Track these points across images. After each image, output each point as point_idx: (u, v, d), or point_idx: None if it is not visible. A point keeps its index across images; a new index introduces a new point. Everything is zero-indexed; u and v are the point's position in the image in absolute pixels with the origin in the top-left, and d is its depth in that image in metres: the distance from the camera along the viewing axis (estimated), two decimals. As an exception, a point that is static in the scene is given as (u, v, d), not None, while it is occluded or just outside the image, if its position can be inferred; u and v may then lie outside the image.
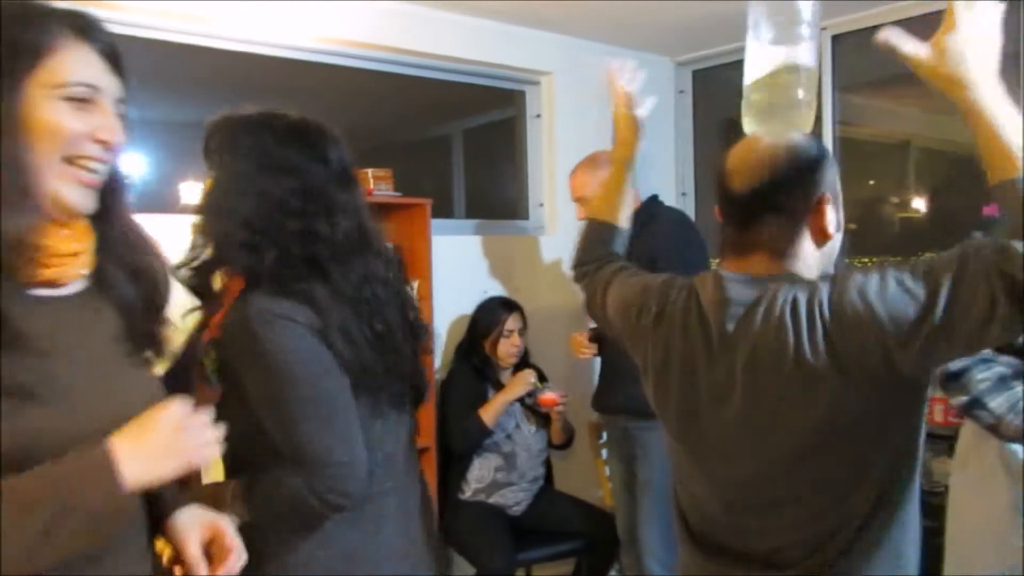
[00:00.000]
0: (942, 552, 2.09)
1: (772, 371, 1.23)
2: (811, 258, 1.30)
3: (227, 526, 1.13)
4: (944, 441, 2.74)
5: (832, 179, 1.32)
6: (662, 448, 2.07)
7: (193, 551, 1.09)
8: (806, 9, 1.38)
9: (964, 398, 1.81)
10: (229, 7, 2.73)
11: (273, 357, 1.30)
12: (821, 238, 1.30)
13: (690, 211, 4.12)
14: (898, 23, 3.50)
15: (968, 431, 2.01)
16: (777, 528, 1.29)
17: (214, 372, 1.37)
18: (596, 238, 1.75)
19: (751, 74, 1.42)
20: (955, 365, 1.81)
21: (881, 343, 1.14)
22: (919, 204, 3.85)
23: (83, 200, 1.00)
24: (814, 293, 1.21)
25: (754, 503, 1.30)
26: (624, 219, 1.73)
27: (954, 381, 1.81)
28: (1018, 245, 1.05)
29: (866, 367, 1.16)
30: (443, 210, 3.58)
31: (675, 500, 1.46)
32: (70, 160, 0.97)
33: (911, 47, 1.18)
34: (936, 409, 2.83)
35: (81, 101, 0.97)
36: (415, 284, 2.94)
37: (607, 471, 3.25)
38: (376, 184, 2.85)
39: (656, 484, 2.68)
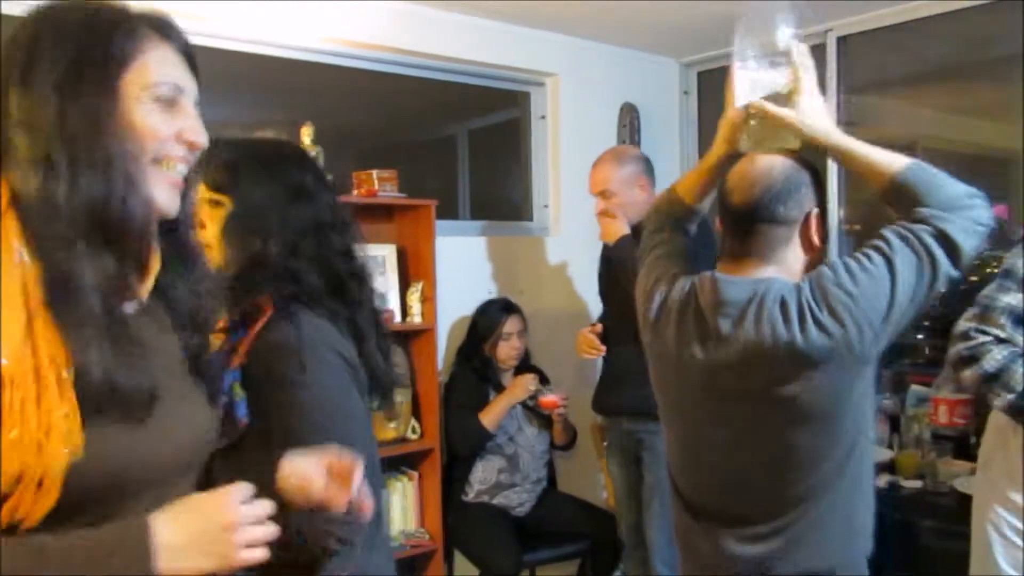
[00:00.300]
0: (951, 552, 2.08)
1: (765, 363, 1.40)
2: (797, 265, 1.49)
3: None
4: (949, 442, 2.74)
5: (819, 195, 1.50)
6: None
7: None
8: (786, 36, 1.49)
9: (1010, 396, 1.79)
10: (231, 7, 2.73)
11: (310, 390, 1.28)
12: (809, 247, 1.49)
13: (695, 212, 4.11)
14: (904, 24, 3.51)
15: (992, 431, 2.01)
16: (759, 494, 1.48)
17: (242, 401, 1.31)
18: (666, 209, 1.76)
19: (741, 99, 1.52)
20: (991, 366, 1.80)
21: (869, 325, 1.34)
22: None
23: (172, 203, 0.96)
24: (800, 291, 1.38)
25: (740, 477, 1.49)
26: (704, 203, 1.76)
27: (995, 381, 1.80)
28: (945, 216, 1.34)
29: (853, 349, 1.35)
30: (448, 211, 3.58)
31: (668, 471, 1.64)
32: (159, 162, 0.94)
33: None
34: (941, 410, 2.82)
35: (167, 102, 0.94)
36: (419, 285, 2.94)
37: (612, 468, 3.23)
38: (381, 185, 2.85)
39: (663, 485, 2.67)
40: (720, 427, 1.49)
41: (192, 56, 0.99)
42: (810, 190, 1.48)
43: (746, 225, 1.48)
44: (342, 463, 0.99)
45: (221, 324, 1.28)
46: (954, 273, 1.36)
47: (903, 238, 1.36)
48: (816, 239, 1.48)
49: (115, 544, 0.82)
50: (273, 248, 1.35)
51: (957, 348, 1.86)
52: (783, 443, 1.42)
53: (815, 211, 1.48)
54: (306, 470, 0.98)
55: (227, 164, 1.40)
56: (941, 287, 1.37)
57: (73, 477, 0.81)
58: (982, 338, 1.82)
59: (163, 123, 0.93)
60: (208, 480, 1.00)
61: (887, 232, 1.38)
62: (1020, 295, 1.82)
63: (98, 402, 0.84)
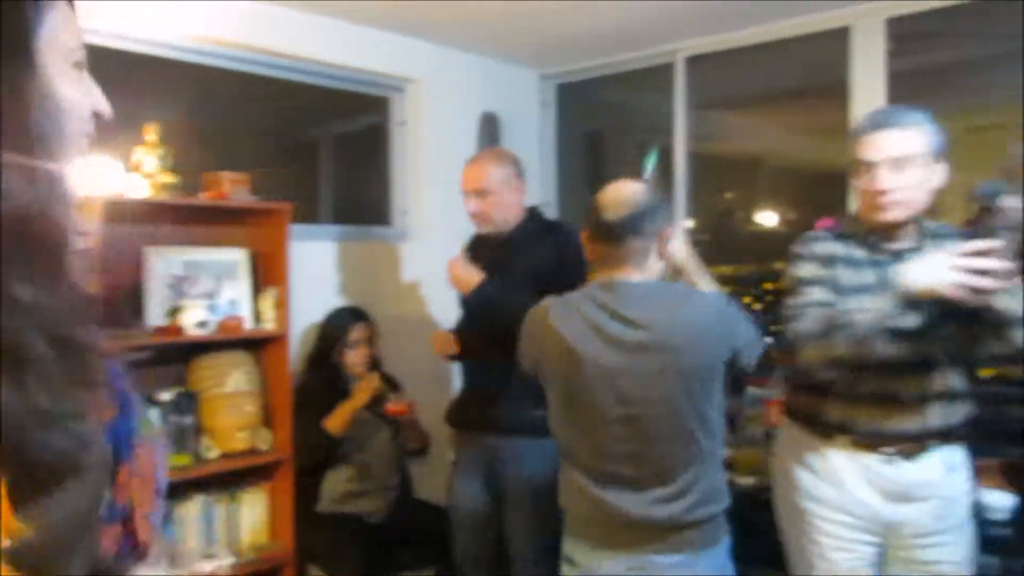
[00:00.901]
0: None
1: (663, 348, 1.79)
2: (655, 268, 1.89)
3: None
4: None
5: (670, 215, 1.92)
6: (543, 458, 2.42)
7: None
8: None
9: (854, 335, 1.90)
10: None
11: None
12: (662, 256, 1.91)
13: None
14: (749, 48, 3.70)
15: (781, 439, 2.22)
16: (656, 462, 1.82)
17: None
18: None
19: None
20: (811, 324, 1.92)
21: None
22: (768, 217, 4.08)
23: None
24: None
25: (636, 452, 1.82)
26: None
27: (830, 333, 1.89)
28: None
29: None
30: (310, 216, 3.49)
31: (568, 451, 1.94)
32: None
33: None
34: (773, 410, 2.99)
35: (81, 68, 0.76)
36: (273, 291, 2.85)
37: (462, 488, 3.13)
38: (233, 187, 2.74)
39: (533, 495, 2.61)
40: (628, 407, 1.81)
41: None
42: (666, 211, 1.93)
43: (621, 236, 1.83)
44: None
45: None
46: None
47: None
48: (666, 253, 1.91)
49: None
50: None
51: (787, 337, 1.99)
52: (671, 418, 1.80)
53: (668, 228, 1.89)
54: None
55: None
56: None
57: None
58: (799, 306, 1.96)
59: (86, 95, 0.76)
60: None
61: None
62: (810, 267, 1.99)
63: None
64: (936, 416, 1.90)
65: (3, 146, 0.64)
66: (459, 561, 2.81)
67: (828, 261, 1.97)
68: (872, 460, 1.94)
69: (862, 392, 1.92)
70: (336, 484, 2.98)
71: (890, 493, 1.94)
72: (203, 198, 2.71)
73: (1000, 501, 2.27)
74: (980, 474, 2.50)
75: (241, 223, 2.94)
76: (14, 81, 0.66)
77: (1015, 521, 2.24)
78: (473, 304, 2.60)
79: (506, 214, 2.64)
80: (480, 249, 2.72)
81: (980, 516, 2.29)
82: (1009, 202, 1.60)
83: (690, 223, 3.89)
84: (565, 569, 1.96)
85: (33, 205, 0.65)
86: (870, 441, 1.93)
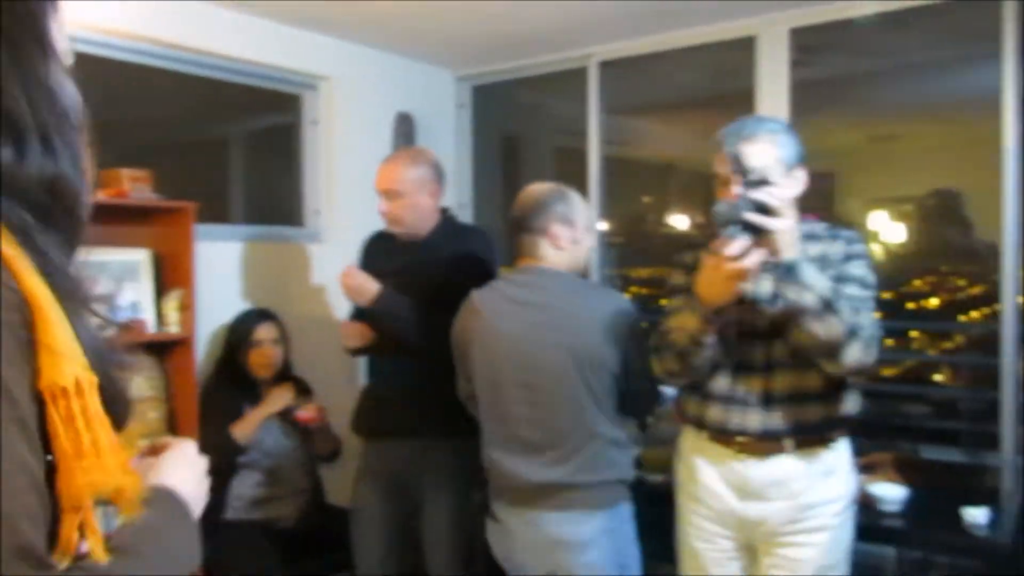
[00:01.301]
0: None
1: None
2: (554, 258, 2.17)
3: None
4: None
5: (563, 212, 2.15)
6: (454, 459, 2.51)
7: None
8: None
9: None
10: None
11: None
12: (556, 248, 2.15)
13: (468, 222, 4.20)
14: (661, 54, 3.77)
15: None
16: (548, 427, 2.08)
17: None
18: None
19: None
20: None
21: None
22: (680, 221, 4.17)
23: None
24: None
25: (531, 416, 2.08)
26: None
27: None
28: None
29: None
30: (218, 216, 3.40)
31: (485, 416, 2.21)
32: None
33: None
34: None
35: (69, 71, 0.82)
36: (177, 293, 2.77)
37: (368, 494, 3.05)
38: (133, 185, 2.65)
39: (447, 497, 2.59)
40: (525, 374, 2.08)
41: None
42: (552, 209, 2.15)
43: (519, 232, 2.18)
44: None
45: None
46: None
47: None
48: (561, 243, 2.15)
49: (164, 522, 0.83)
50: None
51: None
52: (568, 397, 2.06)
53: (556, 225, 2.14)
54: None
55: None
56: None
57: None
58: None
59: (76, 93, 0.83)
60: None
61: None
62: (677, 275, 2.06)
63: None
64: (784, 416, 1.89)
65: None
66: (362, 569, 2.75)
67: (693, 269, 1.97)
68: (727, 456, 1.96)
69: (711, 390, 1.96)
70: (244, 490, 2.91)
71: (743, 490, 1.95)
72: (101, 196, 2.61)
73: (892, 493, 2.37)
74: (873, 468, 2.61)
75: (143, 222, 2.84)
76: (48, 71, 0.77)
77: (906, 512, 2.34)
78: (372, 316, 2.54)
79: (419, 217, 2.58)
80: (391, 251, 2.67)
81: (873, 508, 2.38)
82: (721, 207, 1.64)
83: (605, 226, 3.94)
84: (488, 524, 2.26)
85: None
86: (720, 438, 1.96)
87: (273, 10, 3.18)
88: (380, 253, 2.73)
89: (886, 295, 5.05)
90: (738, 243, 1.62)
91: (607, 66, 3.77)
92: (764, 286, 1.86)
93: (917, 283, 5.18)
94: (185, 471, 0.91)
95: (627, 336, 2.07)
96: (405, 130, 3.88)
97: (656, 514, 2.24)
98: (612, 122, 3.89)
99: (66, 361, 0.69)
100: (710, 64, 3.75)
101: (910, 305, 5.22)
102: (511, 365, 2.10)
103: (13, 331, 0.66)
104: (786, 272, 1.68)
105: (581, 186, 3.75)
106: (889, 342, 4.85)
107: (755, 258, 1.64)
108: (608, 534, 2.09)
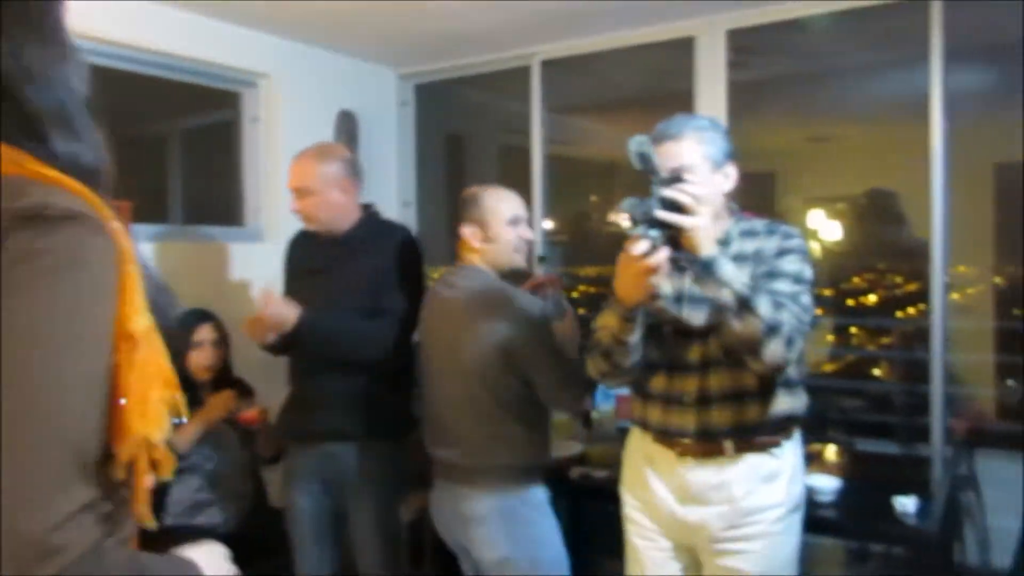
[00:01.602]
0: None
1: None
2: (473, 257, 2.29)
3: None
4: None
5: (471, 214, 2.27)
6: (382, 460, 2.53)
7: None
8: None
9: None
10: None
11: None
12: (471, 248, 2.29)
13: (412, 220, 4.19)
14: (602, 54, 3.80)
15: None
16: (452, 410, 2.25)
17: None
18: None
19: None
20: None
21: None
22: (625, 219, 4.20)
23: None
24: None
25: (444, 399, 2.27)
26: None
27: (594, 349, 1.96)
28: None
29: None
30: (157, 214, 3.33)
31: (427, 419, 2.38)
32: None
33: None
34: (623, 407, 3.10)
35: None
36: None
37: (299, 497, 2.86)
38: (65, 183, 2.57)
39: (375, 498, 2.56)
40: (441, 362, 2.28)
41: None
42: (468, 210, 2.28)
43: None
44: None
45: None
46: None
47: None
48: (474, 243, 2.27)
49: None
50: None
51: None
52: (484, 389, 2.18)
53: (471, 225, 2.27)
54: None
55: None
56: None
57: None
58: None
59: None
60: None
61: None
62: None
63: None
64: (721, 417, 1.86)
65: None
66: (303, 571, 2.72)
67: None
68: (669, 459, 1.93)
69: (650, 391, 1.96)
70: (183, 495, 2.85)
71: (684, 494, 1.92)
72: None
73: (827, 484, 2.42)
74: (810, 460, 2.67)
75: (76, 221, 2.77)
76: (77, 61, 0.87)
77: (839, 503, 2.40)
78: (299, 340, 2.47)
79: (333, 214, 2.53)
80: (313, 248, 2.63)
81: (810, 499, 2.44)
82: (626, 205, 1.64)
83: (549, 224, 3.96)
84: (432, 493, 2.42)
85: None
86: (663, 440, 1.94)
87: (212, 8, 3.13)
88: (303, 251, 2.69)
89: (827, 292, 5.19)
90: (644, 241, 1.62)
91: (550, 65, 3.79)
92: (666, 287, 1.87)
93: (856, 280, 5.32)
94: (210, 562, 0.97)
95: (523, 335, 2.14)
96: (347, 128, 3.85)
97: (602, 509, 2.26)
98: (556, 121, 3.92)
99: (138, 313, 0.79)
100: (651, 64, 3.80)
101: (850, 302, 5.36)
102: (431, 353, 2.33)
103: (110, 275, 0.76)
104: (703, 269, 1.67)
105: (525, 184, 3.77)
106: (830, 338, 5.02)
107: (661, 256, 1.62)
108: (500, 513, 2.20)
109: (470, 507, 2.23)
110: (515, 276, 2.39)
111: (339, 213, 2.53)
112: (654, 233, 1.62)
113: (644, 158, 1.63)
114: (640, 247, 1.62)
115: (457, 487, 2.27)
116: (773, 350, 1.67)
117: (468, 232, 2.28)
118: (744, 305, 1.66)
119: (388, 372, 2.52)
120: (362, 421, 2.49)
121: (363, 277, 2.46)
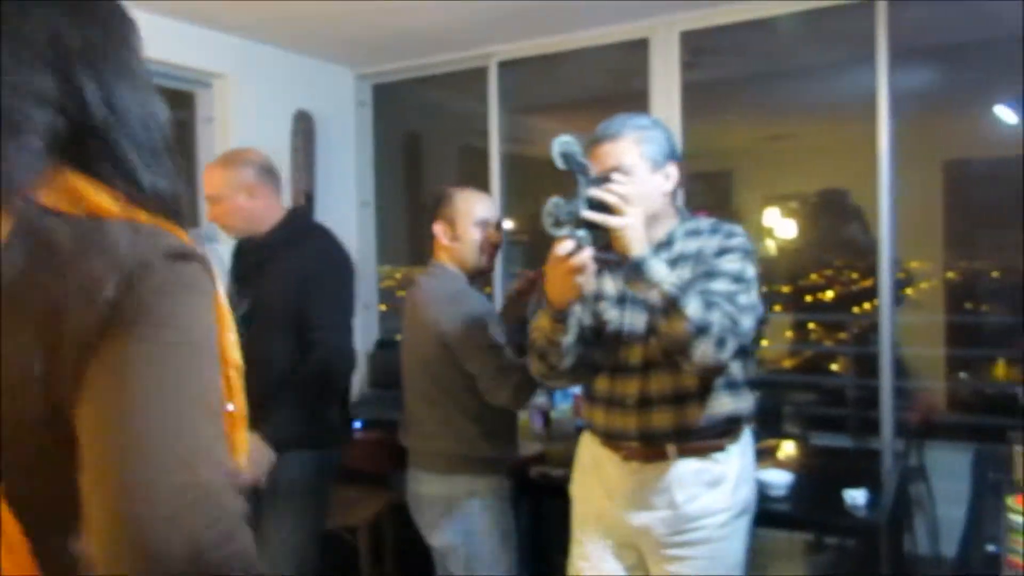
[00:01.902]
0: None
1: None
2: (442, 255, 2.37)
3: None
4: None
5: (441, 212, 2.35)
6: (304, 469, 2.45)
7: None
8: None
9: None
10: None
11: None
12: (440, 246, 2.36)
13: (370, 220, 4.18)
14: (559, 55, 3.81)
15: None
16: (411, 401, 2.41)
17: None
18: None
19: None
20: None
21: None
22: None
23: None
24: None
25: (409, 391, 2.41)
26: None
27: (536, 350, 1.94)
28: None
29: None
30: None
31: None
32: None
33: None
34: (583, 406, 3.11)
35: None
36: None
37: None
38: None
39: (294, 504, 2.45)
40: (405, 355, 2.41)
41: None
42: (437, 211, 2.36)
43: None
44: None
45: None
46: None
47: None
48: (444, 240, 2.35)
49: None
50: None
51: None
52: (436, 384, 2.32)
53: (442, 223, 2.35)
54: None
55: None
56: None
57: None
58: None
59: None
60: None
61: None
62: None
63: None
64: (662, 419, 1.84)
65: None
66: None
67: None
68: (615, 462, 1.92)
69: (595, 393, 1.96)
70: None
71: (628, 498, 1.90)
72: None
73: (778, 479, 2.46)
74: (762, 455, 2.71)
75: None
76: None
77: (791, 496, 2.44)
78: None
79: (244, 219, 2.48)
80: (244, 254, 2.61)
81: (762, 494, 2.48)
82: (549, 205, 1.64)
83: (509, 224, 3.98)
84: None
85: None
86: (609, 443, 1.94)
87: (166, 6, 3.09)
88: (237, 258, 2.67)
89: (785, 289, 5.27)
90: (569, 241, 1.63)
91: (507, 66, 3.80)
92: (609, 288, 1.89)
93: (814, 277, 5.42)
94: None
95: (459, 330, 2.23)
96: (304, 128, 3.83)
97: (561, 508, 2.27)
98: (514, 121, 3.93)
99: (232, 343, 0.83)
100: (607, 65, 3.83)
101: (808, 298, 5.45)
102: (403, 349, 2.46)
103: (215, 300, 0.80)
104: (633, 270, 1.67)
105: (484, 184, 3.78)
106: (789, 334, 5.07)
107: (585, 256, 1.63)
108: (445, 501, 2.32)
109: (423, 489, 2.38)
110: (481, 276, 2.45)
111: (250, 218, 2.48)
112: (581, 233, 1.63)
113: (567, 158, 1.63)
114: (565, 247, 1.63)
115: (415, 471, 2.41)
116: (703, 351, 1.64)
117: (438, 230, 2.37)
118: (672, 305, 1.64)
119: (300, 383, 2.39)
120: (280, 431, 2.33)
121: (285, 281, 2.40)
